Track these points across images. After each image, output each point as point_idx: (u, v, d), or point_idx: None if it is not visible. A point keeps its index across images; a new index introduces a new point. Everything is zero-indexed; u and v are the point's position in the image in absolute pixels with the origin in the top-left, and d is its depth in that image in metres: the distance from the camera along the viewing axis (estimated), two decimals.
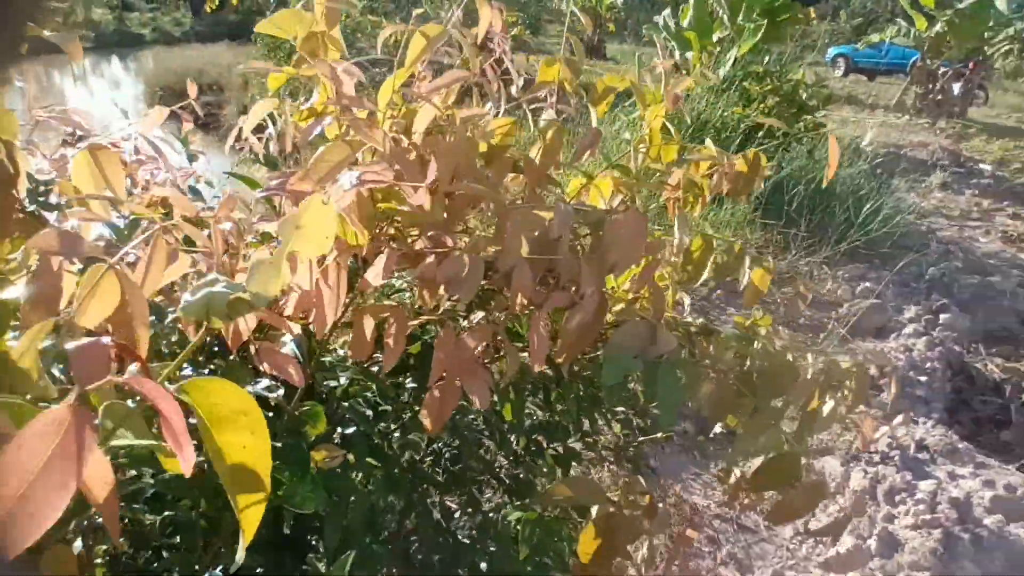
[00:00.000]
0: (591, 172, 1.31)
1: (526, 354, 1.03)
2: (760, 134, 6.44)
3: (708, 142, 1.34)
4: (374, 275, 0.82)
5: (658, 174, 1.35)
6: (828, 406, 1.00)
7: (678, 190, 1.23)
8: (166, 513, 0.98)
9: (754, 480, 0.97)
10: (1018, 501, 2.83)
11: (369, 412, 1.11)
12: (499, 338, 1.00)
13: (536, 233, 1.01)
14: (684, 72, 9.51)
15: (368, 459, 1.10)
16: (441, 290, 0.98)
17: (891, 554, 2.44)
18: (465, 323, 1.19)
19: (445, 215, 0.99)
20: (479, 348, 0.95)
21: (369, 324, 0.92)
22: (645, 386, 0.98)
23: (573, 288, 1.03)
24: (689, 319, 1.19)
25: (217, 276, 0.60)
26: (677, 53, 9.19)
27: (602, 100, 1.32)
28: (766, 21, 8.44)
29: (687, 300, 1.26)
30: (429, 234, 0.99)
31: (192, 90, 1.31)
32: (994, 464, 3.11)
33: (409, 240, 1.01)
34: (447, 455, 1.31)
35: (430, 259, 0.88)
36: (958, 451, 3.10)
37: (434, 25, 1.17)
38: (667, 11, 9.28)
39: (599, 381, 1.29)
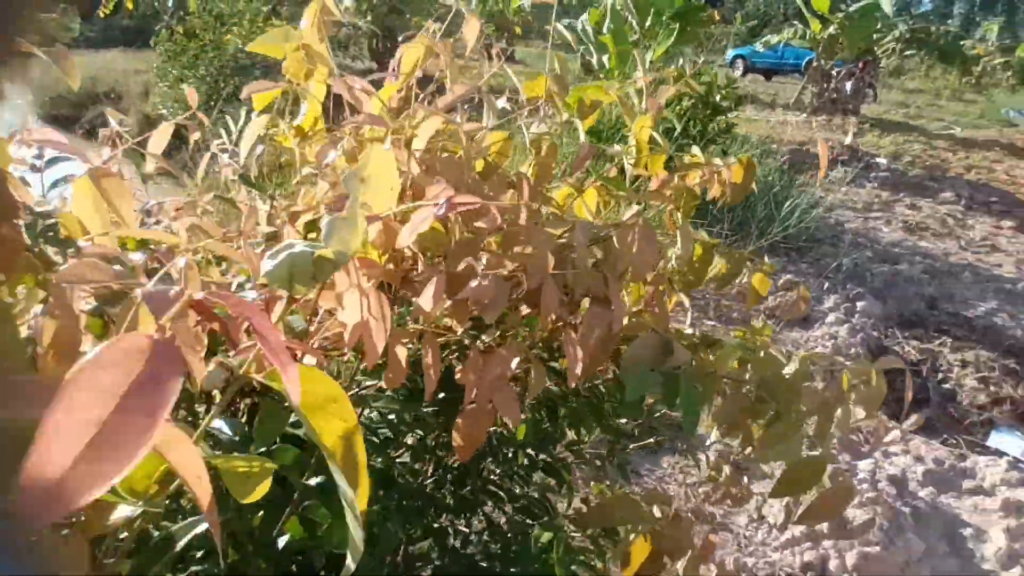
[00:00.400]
0: (579, 185, 1.34)
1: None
2: (676, 135, 6.64)
3: (695, 149, 1.40)
4: (426, 301, 0.82)
5: (643, 184, 1.39)
6: (843, 410, 1.05)
7: (670, 199, 1.27)
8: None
9: (781, 486, 1.02)
10: (946, 473, 3.03)
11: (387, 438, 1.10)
12: (531, 354, 1.01)
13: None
14: (601, 76, 9.74)
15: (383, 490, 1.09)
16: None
17: (841, 533, 2.58)
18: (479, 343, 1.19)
19: (467, 234, 0.99)
20: (512, 366, 0.96)
21: (403, 352, 0.92)
22: (667, 397, 1.01)
23: (587, 301, 1.05)
24: (689, 330, 1.24)
25: (293, 240, 0.60)
26: (594, 57, 9.39)
27: (590, 113, 1.35)
28: (678, 25, 8.72)
29: (687, 302, 1.30)
30: (446, 256, 0.99)
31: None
32: (920, 440, 3.33)
33: (434, 262, 1.01)
34: (450, 477, 1.31)
35: (475, 283, 0.89)
36: (888, 431, 3.29)
37: (421, 39, 1.17)
38: (584, 15, 9.45)
39: (600, 392, 1.32)
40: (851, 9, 13.31)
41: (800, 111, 14.48)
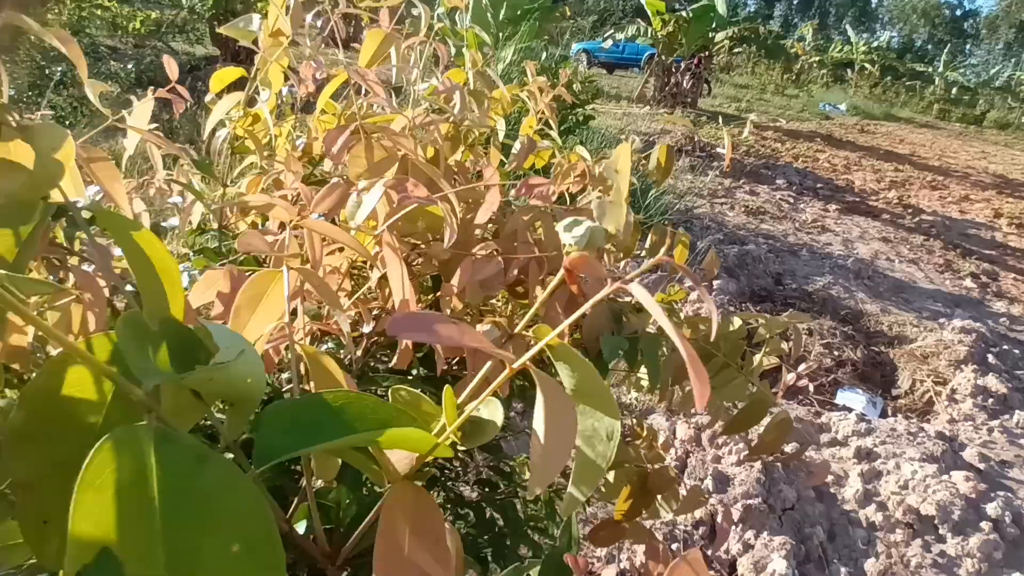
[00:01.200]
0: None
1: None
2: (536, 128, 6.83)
3: (579, 148, 1.51)
4: (457, 283, 0.86)
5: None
6: (764, 357, 1.20)
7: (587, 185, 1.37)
8: None
9: (734, 425, 1.15)
10: (805, 429, 3.38)
11: None
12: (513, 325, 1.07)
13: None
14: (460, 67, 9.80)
15: None
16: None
17: (724, 488, 2.82)
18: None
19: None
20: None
21: None
22: (628, 359, 1.11)
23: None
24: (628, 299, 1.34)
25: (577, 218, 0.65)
26: (452, 48, 9.43)
27: (506, 111, 1.44)
28: (536, 20, 8.95)
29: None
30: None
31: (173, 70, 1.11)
32: (781, 403, 3.68)
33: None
34: None
35: (493, 262, 0.93)
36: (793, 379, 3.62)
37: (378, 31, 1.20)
38: (440, 9, 9.46)
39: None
40: (689, 9, 14.20)
41: (643, 104, 15.26)
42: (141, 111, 0.89)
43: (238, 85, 1.19)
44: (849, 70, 27.95)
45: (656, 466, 1.17)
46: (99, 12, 13.45)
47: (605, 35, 19.50)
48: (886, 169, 11.69)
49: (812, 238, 7.01)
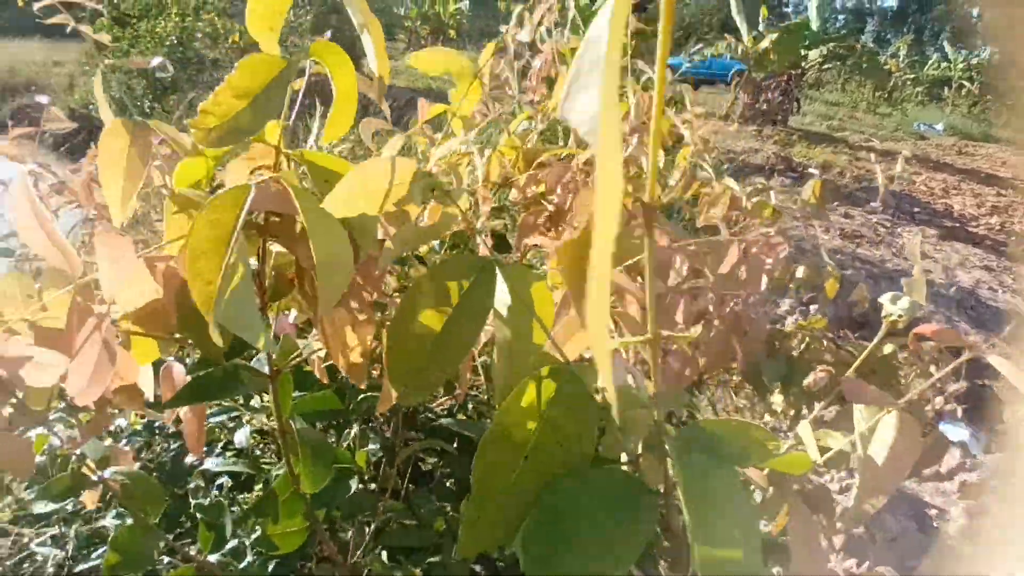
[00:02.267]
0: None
1: None
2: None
3: (728, 180, 1.61)
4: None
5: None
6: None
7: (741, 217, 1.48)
8: None
9: None
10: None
11: None
12: None
13: None
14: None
15: None
16: None
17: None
18: None
19: None
20: None
21: None
22: (784, 381, 1.21)
23: None
24: None
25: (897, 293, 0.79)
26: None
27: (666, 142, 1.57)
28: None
29: None
30: None
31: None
32: None
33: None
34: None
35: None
36: None
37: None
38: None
39: None
40: (783, 25, 14.05)
41: (731, 120, 15.10)
42: None
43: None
44: (946, 88, 26.90)
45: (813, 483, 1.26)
46: (201, 26, 14.20)
47: (692, 50, 19.36)
48: (987, 193, 11.26)
49: (911, 265, 6.85)
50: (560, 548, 0.44)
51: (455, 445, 1.07)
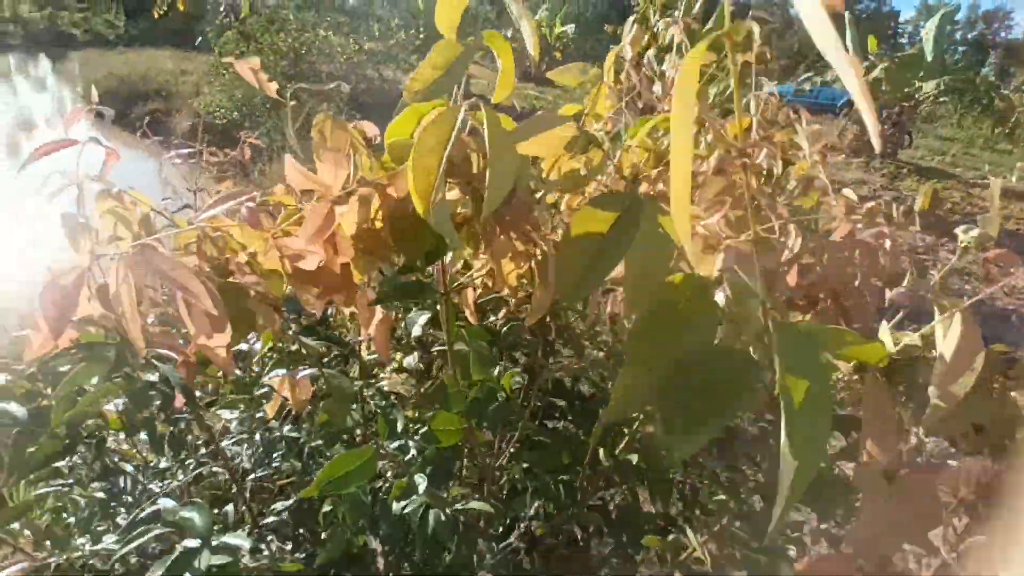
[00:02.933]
0: None
1: None
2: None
3: (847, 191, 1.69)
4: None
5: None
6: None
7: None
8: None
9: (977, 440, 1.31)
10: None
11: None
12: None
13: None
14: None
15: None
16: None
17: None
18: None
19: None
20: None
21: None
22: None
23: None
24: None
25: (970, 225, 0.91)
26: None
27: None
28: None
29: None
30: None
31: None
32: None
33: None
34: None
35: None
36: None
37: None
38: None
39: None
40: (896, 56, 13.68)
41: (839, 151, 14.75)
42: None
43: None
44: None
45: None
46: (316, 42, 15.01)
47: (800, 79, 19.03)
48: None
49: (1021, 303, 6.60)
50: (690, 405, 0.58)
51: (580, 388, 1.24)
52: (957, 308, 0.62)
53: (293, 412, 1.11)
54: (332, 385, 0.93)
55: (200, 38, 21.04)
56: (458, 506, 0.86)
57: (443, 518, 0.83)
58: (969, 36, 58.29)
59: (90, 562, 0.86)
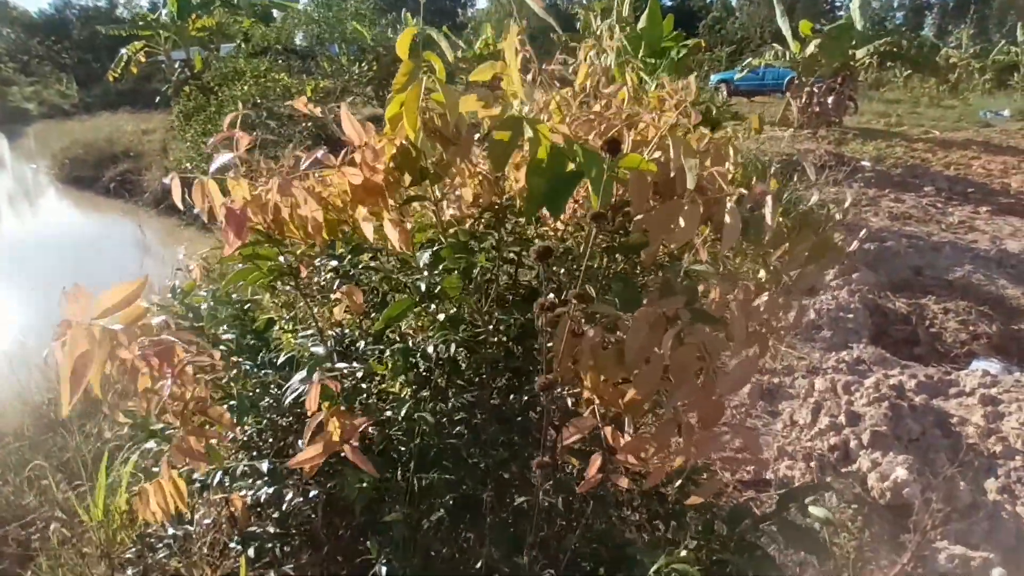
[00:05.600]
0: None
1: None
2: None
3: None
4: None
5: None
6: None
7: None
8: None
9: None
10: (935, 384, 3.82)
11: None
12: None
13: None
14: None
15: None
16: None
17: (856, 423, 3.36)
18: None
19: None
20: None
21: None
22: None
23: None
24: None
25: None
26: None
27: None
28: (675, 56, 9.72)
29: None
30: None
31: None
32: (913, 366, 4.12)
33: None
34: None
35: None
36: (887, 360, 4.09)
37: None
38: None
39: None
40: (826, 28, 14.43)
41: (785, 126, 15.47)
42: None
43: None
44: (1015, 74, 26.32)
45: None
46: (273, 85, 15.54)
47: (743, 64, 19.78)
48: None
49: (957, 237, 7.20)
50: (557, 190, 1.09)
51: None
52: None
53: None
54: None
55: (159, 97, 21.50)
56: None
57: (455, 346, 1.33)
58: (907, 1, 59.75)
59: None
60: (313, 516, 1.83)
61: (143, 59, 21.40)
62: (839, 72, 15.33)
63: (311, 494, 1.66)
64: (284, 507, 1.79)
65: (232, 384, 1.51)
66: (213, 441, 1.40)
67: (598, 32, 10.62)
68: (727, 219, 1.10)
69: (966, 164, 11.63)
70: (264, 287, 1.56)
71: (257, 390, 1.48)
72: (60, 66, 48.24)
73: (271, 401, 1.53)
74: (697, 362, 1.01)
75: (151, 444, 1.79)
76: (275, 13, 26.23)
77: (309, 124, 14.22)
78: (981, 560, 2.68)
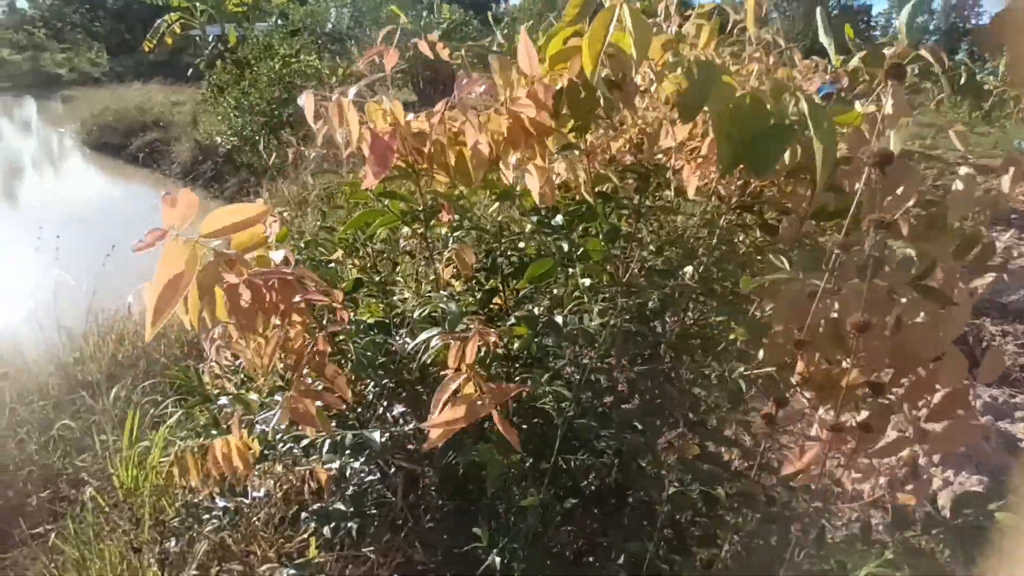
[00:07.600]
0: None
1: None
2: None
3: None
4: None
5: None
6: None
7: None
8: None
9: None
10: (1000, 407, 3.70)
11: None
12: None
13: None
14: None
15: None
16: None
17: (923, 439, 3.23)
18: None
19: None
20: None
21: None
22: None
23: None
24: None
25: None
26: None
27: None
28: None
29: None
30: None
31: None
32: (976, 386, 4.00)
33: None
34: None
35: None
36: None
37: None
38: None
39: None
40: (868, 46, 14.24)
41: None
42: None
43: None
44: None
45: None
46: (304, 68, 15.45)
47: None
48: None
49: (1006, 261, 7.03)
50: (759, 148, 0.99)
51: None
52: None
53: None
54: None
55: (191, 70, 21.49)
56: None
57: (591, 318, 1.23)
58: (943, 27, 59.35)
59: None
60: (390, 496, 1.73)
61: (179, 30, 21.42)
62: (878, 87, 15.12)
63: (400, 470, 1.55)
64: (361, 485, 1.69)
65: (346, 340, 1.40)
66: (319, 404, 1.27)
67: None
68: (958, 185, 1.00)
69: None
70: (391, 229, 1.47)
71: (368, 352, 1.38)
72: (92, 34, 48.42)
73: (387, 361, 1.42)
74: (932, 347, 0.90)
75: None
76: None
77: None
78: None
